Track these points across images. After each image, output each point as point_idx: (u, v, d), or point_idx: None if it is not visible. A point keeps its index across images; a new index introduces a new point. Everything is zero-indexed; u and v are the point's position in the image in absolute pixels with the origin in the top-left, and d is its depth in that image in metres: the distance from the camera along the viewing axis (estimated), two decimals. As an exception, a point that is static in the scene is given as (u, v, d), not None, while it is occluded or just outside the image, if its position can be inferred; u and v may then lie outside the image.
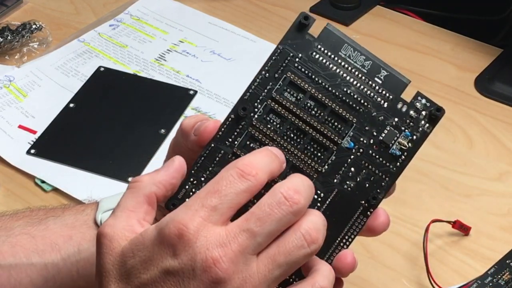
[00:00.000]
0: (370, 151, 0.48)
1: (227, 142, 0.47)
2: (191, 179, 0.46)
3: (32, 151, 0.80)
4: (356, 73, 0.48)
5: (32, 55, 0.97)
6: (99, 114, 0.86)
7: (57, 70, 0.93)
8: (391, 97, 0.48)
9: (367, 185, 0.47)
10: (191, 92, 0.89)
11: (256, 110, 0.47)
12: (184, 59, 0.95)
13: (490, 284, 0.61)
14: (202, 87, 0.90)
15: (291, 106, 0.47)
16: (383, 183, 0.48)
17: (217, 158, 0.47)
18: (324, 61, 0.47)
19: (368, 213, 0.47)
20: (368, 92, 0.48)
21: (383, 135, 0.48)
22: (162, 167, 0.46)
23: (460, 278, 0.65)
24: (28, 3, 1.07)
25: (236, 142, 0.47)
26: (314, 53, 0.47)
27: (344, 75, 0.47)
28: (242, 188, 0.42)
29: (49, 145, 0.82)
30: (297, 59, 0.47)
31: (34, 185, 0.77)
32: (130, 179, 0.76)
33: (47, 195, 0.76)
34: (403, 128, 0.48)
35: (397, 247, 0.70)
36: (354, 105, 0.47)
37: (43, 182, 0.77)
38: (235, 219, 0.43)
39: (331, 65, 0.47)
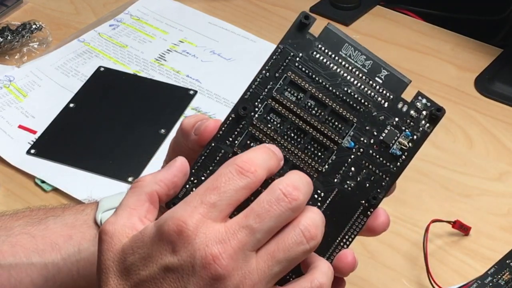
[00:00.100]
0: (371, 151, 0.47)
1: (227, 142, 0.47)
2: (192, 178, 0.46)
3: (32, 151, 0.80)
4: (357, 72, 0.47)
5: (32, 55, 0.97)
6: (99, 114, 0.86)
7: (57, 70, 0.93)
8: (391, 96, 0.48)
9: (367, 185, 0.47)
10: (191, 92, 0.89)
11: (256, 109, 0.47)
12: (184, 59, 0.95)
13: (490, 284, 0.61)
14: (202, 87, 0.90)
15: (292, 105, 0.47)
16: (383, 183, 0.48)
17: (218, 158, 0.47)
18: (324, 60, 0.47)
19: (368, 213, 0.47)
20: (369, 91, 0.48)
21: (384, 134, 0.48)
22: (164, 167, 0.46)
23: (460, 278, 0.65)
24: (28, 3, 1.07)
25: (236, 142, 0.47)
26: (314, 53, 0.47)
27: (345, 74, 0.47)
28: (241, 184, 0.42)
29: (49, 145, 0.81)
30: (297, 59, 0.47)
31: (34, 185, 0.77)
32: (130, 179, 0.76)
33: (47, 195, 0.76)
34: (403, 128, 0.48)
35: (397, 247, 0.70)
36: (354, 105, 0.47)
37: (43, 182, 0.77)
38: (234, 216, 0.43)
39: (331, 65, 0.47)
